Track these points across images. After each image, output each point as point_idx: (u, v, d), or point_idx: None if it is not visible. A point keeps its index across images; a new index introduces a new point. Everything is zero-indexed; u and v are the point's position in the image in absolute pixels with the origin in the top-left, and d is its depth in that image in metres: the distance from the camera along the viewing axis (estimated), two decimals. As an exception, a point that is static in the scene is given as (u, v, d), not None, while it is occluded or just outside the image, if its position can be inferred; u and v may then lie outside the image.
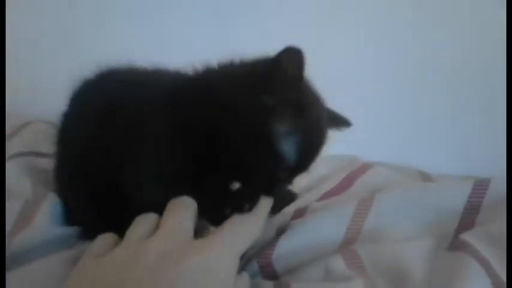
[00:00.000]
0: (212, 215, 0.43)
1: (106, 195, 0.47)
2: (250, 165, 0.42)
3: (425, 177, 0.68)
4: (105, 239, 0.42)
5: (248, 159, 0.42)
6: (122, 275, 0.35)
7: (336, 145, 0.76)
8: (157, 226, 0.40)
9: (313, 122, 0.43)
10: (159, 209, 0.44)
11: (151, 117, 0.45)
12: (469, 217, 0.51)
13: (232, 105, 0.41)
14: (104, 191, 0.47)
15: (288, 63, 0.39)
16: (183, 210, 0.41)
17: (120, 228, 0.43)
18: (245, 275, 0.45)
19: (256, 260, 0.49)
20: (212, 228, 0.43)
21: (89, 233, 0.50)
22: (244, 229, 0.41)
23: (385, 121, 0.89)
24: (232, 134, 0.42)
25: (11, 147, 0.67)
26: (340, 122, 0.50)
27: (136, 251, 0.37)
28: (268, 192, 0.45)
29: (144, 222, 0.41)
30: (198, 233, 0.41)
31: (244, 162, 0.42)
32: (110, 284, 0.35)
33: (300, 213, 0.57)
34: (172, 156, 0.44)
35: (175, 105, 0.44)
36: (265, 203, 0.45)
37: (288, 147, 0.41)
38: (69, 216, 0.53)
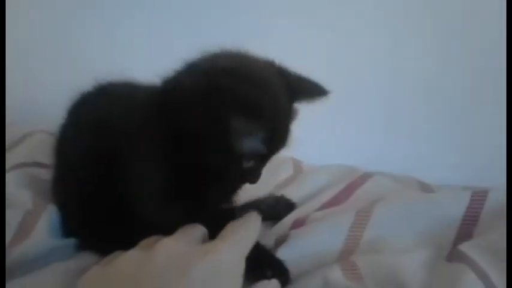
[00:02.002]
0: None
1: (101, 205, 0.47)
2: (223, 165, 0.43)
3: (424, 187, 0.68)
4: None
5: (218, 161, 0.43)
6: (131, 279, 0.35)
7: (335, 155, 0.78)
8: None
9: (275, 120, 0.42)
10: (154, 219, 0.45)
11: (135, 130, 0.46)
12: (467, 228, 0.51)
13: (195, 125, 0.41)
14: (99, 202, 0.48)
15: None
16: (191, 230, 0.42)
17: (115, 237, 0.44)
18: (274, 282, 0.45)
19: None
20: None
21: (86, 245, 0.51)
22: (246, 228, 0.42)
23: (385, 131, 0.90)
24: (201, 146, 0.42)
25: (13, 157, 0.67)
26: (316, 93, 0.47)
27: (145, 255, 0.37)
28: (240, 183, 0.47)
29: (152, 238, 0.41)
30: None
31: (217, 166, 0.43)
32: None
33: (299, 223, 0.57)
34: (157, 166, 0.45)
35: (150, 118, 0.45)
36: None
37: (250, 145, 0.41)
38: (67, 227, 0.53)
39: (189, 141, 0.42)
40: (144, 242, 0.41)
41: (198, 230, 0.42)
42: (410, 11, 0.85)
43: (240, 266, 0.39)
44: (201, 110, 0.40)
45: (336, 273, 0.47)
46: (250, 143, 0.41)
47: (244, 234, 0.41)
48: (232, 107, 0.39)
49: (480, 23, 0.81)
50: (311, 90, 0.46)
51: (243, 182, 0.46)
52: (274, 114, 0.41)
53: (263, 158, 0.44)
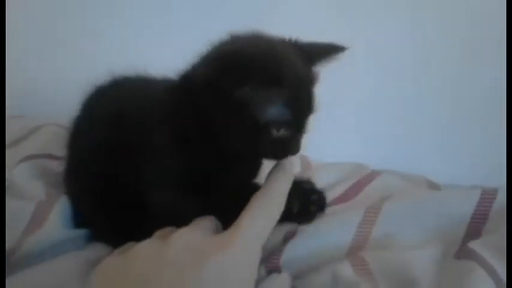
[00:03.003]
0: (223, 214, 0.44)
1: (114, 198, 0.48)
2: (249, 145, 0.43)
3: (432, 185, 0.68)
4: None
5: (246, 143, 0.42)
6: (147, 267, 0.35)
7: (344, 153, 0.78)
8: None
9: (294, 82, 0.41)
10: (171, 211, 0.45)
11: (155, 126, 0.46)
12: (476, 226, 0.51)
13: (213, 109, 0.42)
14: (112, 194, 0.48)
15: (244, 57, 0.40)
16: (205, 222, 0.42)
17: (129, 229, 0.44)
18: (285, 276, 0.46)
19: (264, 264, 0.49)
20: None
21: (99, 235, 0.52)
22: (263, 214, 0.41)
23: (393, 129, 0.90)
24: (224, 130, 0.42)
25: (24, 149, 0.68)
26: (331, 51, 0.47)
27: (161, 244, 0.37)
28: (279, 157, 0.45)
29: (167, 228, 0.42)
30: None
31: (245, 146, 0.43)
32: (133, 278, 0.35)
33: (308, 219, 0.57)
34: (176, 161, 0.45)
35: (170, 114, 0.45)
36: (282, 181, 0.44)
37: (273, 111, 0.41)
38: (78, 218, 0.54)
39: (213, 128, 0.42)
40: (160, 233, 0.41)
41: (212, 222, 0.42)
42: (432, 8, 0.85)
43: (257, 256, 0.39)
44: (217, 95, 0.40)
45: (346, 269, 0.47)
46: (273, 110, 0.41)
47: (262, 220, 0.40)
48: (246, 82, 0.39)
49: (500, 21, 0.80)
50: (326, 50, 0.47)
51: (284, 155, 0.44)
52: (291, 79, 0.41)
53: (293, 125, 0.43)
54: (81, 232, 0.52)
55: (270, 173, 0.45)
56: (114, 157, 0.48)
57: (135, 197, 0.46)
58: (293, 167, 0.46)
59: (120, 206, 0.48)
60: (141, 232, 0.41)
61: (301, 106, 0.43)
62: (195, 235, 0.38)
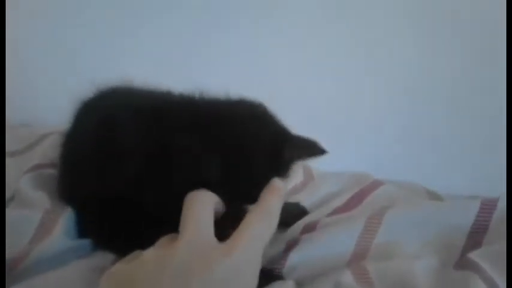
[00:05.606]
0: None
1: (112, 207, 0.48)
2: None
3: (433, 195, 0.68)
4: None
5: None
6: (151, 277, 0.36)
7: (346, 162, 0.78)
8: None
9: None
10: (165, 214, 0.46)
11: (143, 136, 0.47)
12: (476, 236, 0.52)
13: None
14: (110, 203, 0.49)
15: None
16: (201, 208, 0.42)
17: (132, 238, 0.45)
18: (290, 283, 0.46)
19: (266, 273, 0.50)
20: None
21: (102, 244, 0.52)
22: (263, 224, 0.41)
23: (393, 139, 0.90)
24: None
25: (31, 158, 0.68)
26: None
27: (163, 254, 0.38)
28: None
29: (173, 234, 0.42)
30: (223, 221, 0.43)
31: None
32: (139, 285, 0.36)
33: (310, 228, 0.58)
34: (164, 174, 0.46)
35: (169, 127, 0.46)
36: (274, 198, 0.44)
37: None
38: (81, 228, 0.54)
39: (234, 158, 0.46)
40: (164, 239, 0.41)
41: (210, 218, 0.42)
42: (432, 18, 0.86)
43: (258, 259, 0.39)
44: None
45: (347, 278, 0.48)
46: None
47: (263, 224, 0.41)
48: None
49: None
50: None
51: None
52: None
53: None
54: (88, 240, 0.52)
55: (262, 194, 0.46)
56: (107, 164, 0.49)
57: (135, 204, 0.47)
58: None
59: (119, 214, 0.49)
60: (145, 239, 0.42)
61: None
62: (201, 241, 0.39)
